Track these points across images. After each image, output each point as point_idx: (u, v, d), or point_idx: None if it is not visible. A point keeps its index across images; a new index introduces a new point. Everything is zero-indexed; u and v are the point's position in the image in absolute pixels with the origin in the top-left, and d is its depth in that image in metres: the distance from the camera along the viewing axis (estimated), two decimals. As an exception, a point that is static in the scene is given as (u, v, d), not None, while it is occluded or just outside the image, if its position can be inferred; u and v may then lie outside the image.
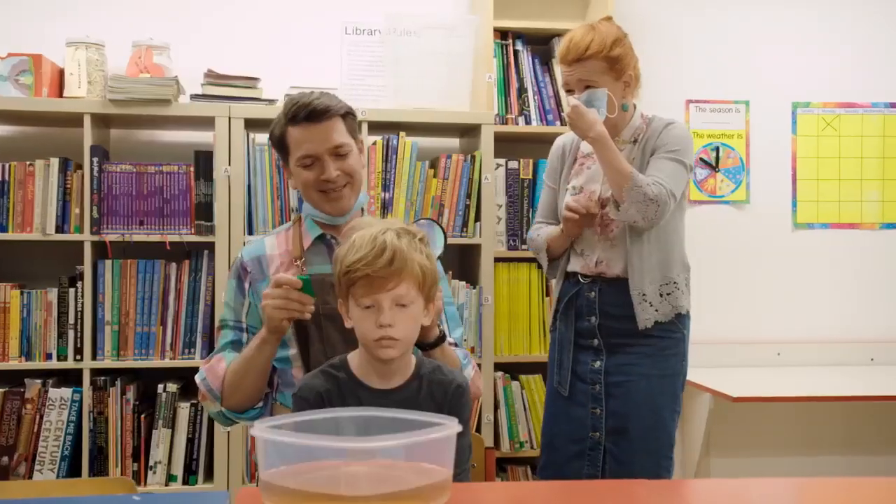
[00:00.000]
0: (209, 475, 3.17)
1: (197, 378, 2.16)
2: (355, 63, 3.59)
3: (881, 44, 3.93)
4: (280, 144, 2.17)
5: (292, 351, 2.11)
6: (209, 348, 3.15)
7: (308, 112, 2.08)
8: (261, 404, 2.13)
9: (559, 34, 3.52)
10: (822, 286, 3.89)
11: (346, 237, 1.86)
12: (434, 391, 1.85)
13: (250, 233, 3.17)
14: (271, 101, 3.25)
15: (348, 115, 2.16)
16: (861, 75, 3.92)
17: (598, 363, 2.61)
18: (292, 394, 1.88)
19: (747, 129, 3.83)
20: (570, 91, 2.63)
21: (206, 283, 3.17)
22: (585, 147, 2.68)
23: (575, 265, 2.68)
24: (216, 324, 2.40)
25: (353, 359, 1.84)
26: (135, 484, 1.98)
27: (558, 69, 3.45)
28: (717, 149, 3.80)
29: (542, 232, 2.77)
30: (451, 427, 1.46)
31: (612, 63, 2.58)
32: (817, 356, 3.83)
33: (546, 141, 3.50)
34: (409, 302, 1.77)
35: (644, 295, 2.55)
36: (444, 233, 2.19)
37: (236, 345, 2.15)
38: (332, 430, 1.57)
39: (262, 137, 3.24)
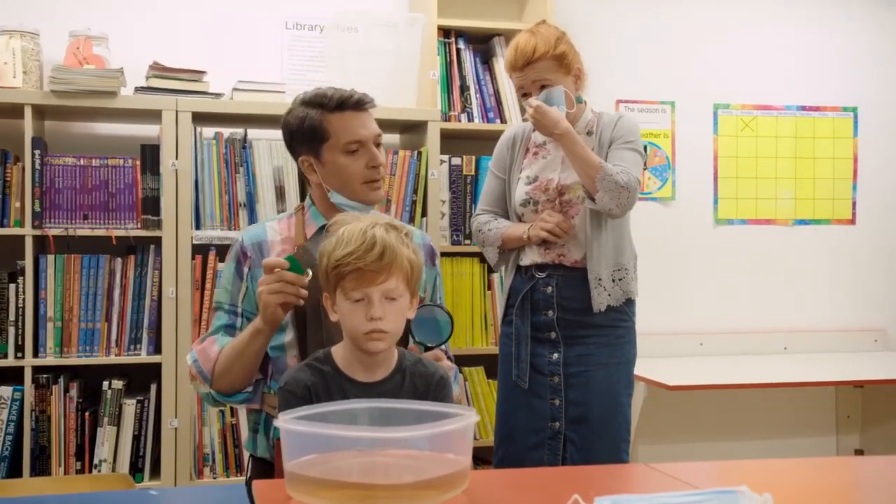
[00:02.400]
0: (156, 472, 3.14)
1: (188, 359, 2.15)
2: (297, 58, 3.61)
3: (794, 49, 4.16)
4: (314, 134, 2.16)
5: (288, 337, 2.11)
6: (156, 344, 3.13)
7: (356, 100, 2.15)
8: (250, 389, 2.12)
9: (499, 33, 3.62)
10: (742, 279, 4.10)
11: (330, 233, 1.89)
12: (417, 384, 1.89)
13: (198, 227, 3.15)
14: (218, 95, 3.23)
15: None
16: (776, 79, 4.15)
17: (555, 355, 2.70)
18: (278, 387, 1.88)
19: (673, 128, 4.00)
20: (526, 95, 2.71)
21: (152, 278, 3.13)
22: (538, 137, 2.77)
23: (532, 257, 2.74)
24: (212, 305, 2.37)
25: (338, 352, 1.86)
26: (133, 480, 1.97)
27: (499, 67, 3.57)
28: (645, 147, 3.94)
29: (493, 226, 2.81)
30: (470, 416, 1.53)
31: (559, 60, 2.69)
32: (737, 346, 4.04)
33: (488, 138, 3.60)
34: (398, 295, 1.82)
35: (600, 280, 2.67)
36: (451, 319, 2.10)
37: (230, 329, 2.14)
38: (347, 422, 1.61)
39: (210, 131, 3.24)
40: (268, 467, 2.14)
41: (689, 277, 4.04)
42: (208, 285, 3.17)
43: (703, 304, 4.05)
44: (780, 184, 4.13)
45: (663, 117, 3.99)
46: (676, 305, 4.00)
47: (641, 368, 3.47)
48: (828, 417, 4.18)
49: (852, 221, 4.22)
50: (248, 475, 2.26)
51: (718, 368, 3.79)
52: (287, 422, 1.52)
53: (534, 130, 2.76)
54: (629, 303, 2.74)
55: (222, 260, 3.15)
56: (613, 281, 2.70)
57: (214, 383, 2.10)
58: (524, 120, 2.76)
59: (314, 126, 2.15)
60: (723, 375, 3.65)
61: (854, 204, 4.22)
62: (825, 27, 4.21)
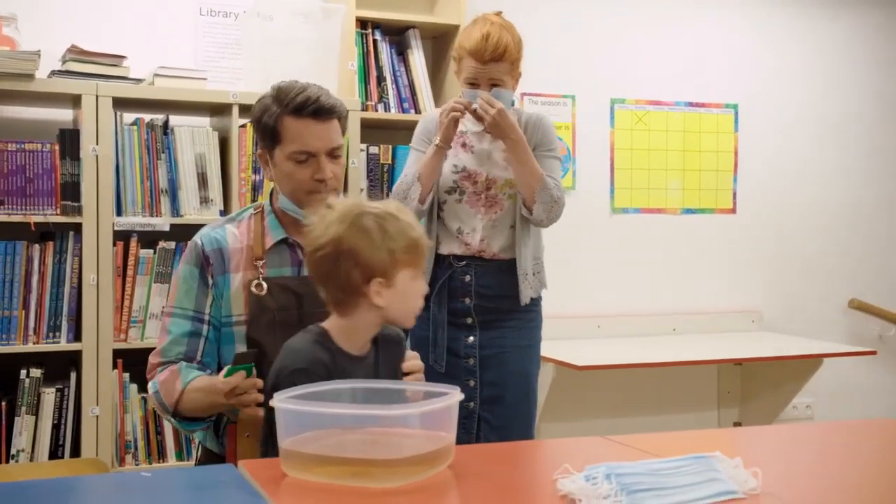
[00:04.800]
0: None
1: (150, 389, 2.08)
2: (211, 45, 3.61)
3: (683, 49, 4.43)
4: (271, 132, 2.07)
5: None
6: (76, 332, 3.09)
7: (315, 108, 2.03)
8: (213, 419, 2.10)
9: (413, 26, 3.71)
10: (635, 265, 4.35)
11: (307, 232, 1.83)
12: (391, 347, 1.94)
13: (119, 213, 3.12)
14: (138, 80, 3.21)
15: (344, 117, 2.13)
16: (666, 77, 4.40)
17: (471, 338, 2.82)
18: (293, 369, 1.79)
19: (574, 121, 4.20)
20: (473, 85, 2.74)
21: (72, 265, 3.09)
22: (471, 126, 2.82)
23: (451, 247, 2.84)
24: (164, 307, 2.21)
25: (331, 329, 1.84)
26: (108, 464, 1.98)
27: (414, 59, 3.67)
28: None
29: (406, 173, 2.81)
30: (456, 395, 1.64)
31: (515, 65, 2.78)
32: (630, 328, 4.29)
33: (403, 127, 3.70)
34: None
35: (526, 274, 2.81)
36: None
37: (194, 336, 2.07)
38: (339, 401, 1.69)
39: (131, 117, 3.21)
40: (218, 460, 2.13)
41: (588, 263, 4.25)
42: (130, 272, 3.15)
43: (601, 289, 4.28)
44: (670, 175, 4.40)
45: (565, 110, 4.18)
46: (576, 290, 4.20)
47: (546, 350, 3.66)
48: (710, 393, 4.48)
49: (733, 211, 4.53)
50: (197, 462, 2.28)
51: (615, 349, 4.02)
52: (282, 401, 1.59)
53: (483, 127, 2.76)
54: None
55: (145, 247, 3.17)
56: (534, 274, 2.85)
57: (177, 415, 2.04)
58: (471, 110, 2.71)
59: (269, 125, 2.07)
60: (620, 356, 3.87)
61: (735, 194, 4.54)
62: (710, 29, 4.49)
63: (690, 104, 4.44)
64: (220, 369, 2.07)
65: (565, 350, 3.76)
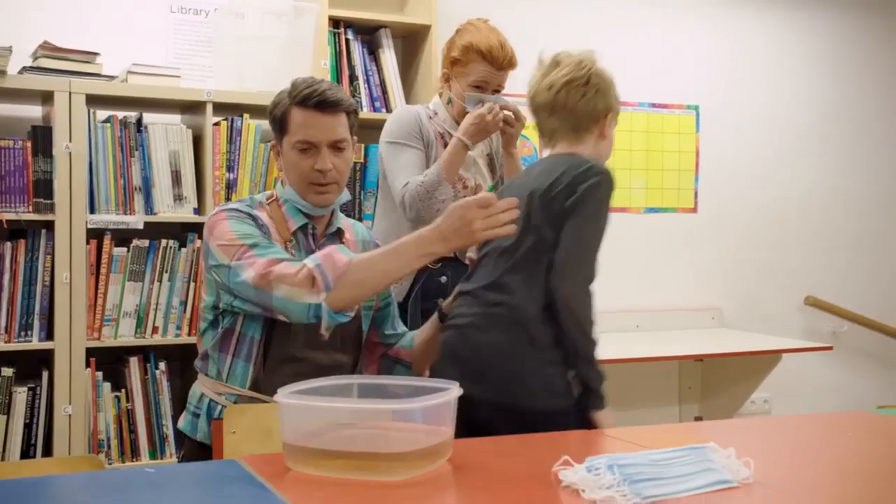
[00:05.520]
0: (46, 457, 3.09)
1: (308, 262, 1.97)
2: (183, 42, 3.59)
3: (647, 51, 4.51)
4: (280, 123, 2.17)
5: (260, 331, 2.12)
6: (48, 330, 3.07)
7: (319, 100, 2.11)
8: (354, 311, 2.06)
9: (385, 25, 3.74)
10: (600, 263, 4.40)
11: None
12: None
13: (92, 211, 3.10)
14: (111, 77, 3.19)
15: (353, 112, 2.20)
16: (630, 78, 4.46)
17: None
18: None
19: (540, 121, 4.25)
20: (478, 88, 2.81)
21: (44, 263, 3.06)
22: (454, 132, 2.84)
23: None
24: (239, 244, 2.06)
25: None
26: (103, 461, 1.98)
27: (385, 59, 3.69)
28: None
29: (427, 173, 2.74)
30: (455, 390, 1.68)
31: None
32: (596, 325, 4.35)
33: (374, 126, 3.71)
34: None
35: None
36: None
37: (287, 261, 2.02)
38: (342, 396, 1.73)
39: (104, 114, 3.19)
40: (205, 451, 2.16)
41: (554, 261, 4.30)
42: (103, 270, 3.13)
43: (566, 286, 4.34)
44: (634, 174, 4.48)
45: (529, 111, 4.22)
46: (542, 287, 4.26)
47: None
48: (672, 388, 4.58)
49: (694, 210, 4.63)
50: (182, 457, 2.29)
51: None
52: (286, 396, 1.62)
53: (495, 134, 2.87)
54: None
55: (118, 244, 3.16)
56: None
57: (333, 293, 1.96)
58: (494, 118, 2.73)
59: (281, 116, 2.16)
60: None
61: (696, 194, 4.63)
62: (672, 32, 4.58)
63: (653, 105, 4.53)
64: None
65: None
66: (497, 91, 2.82)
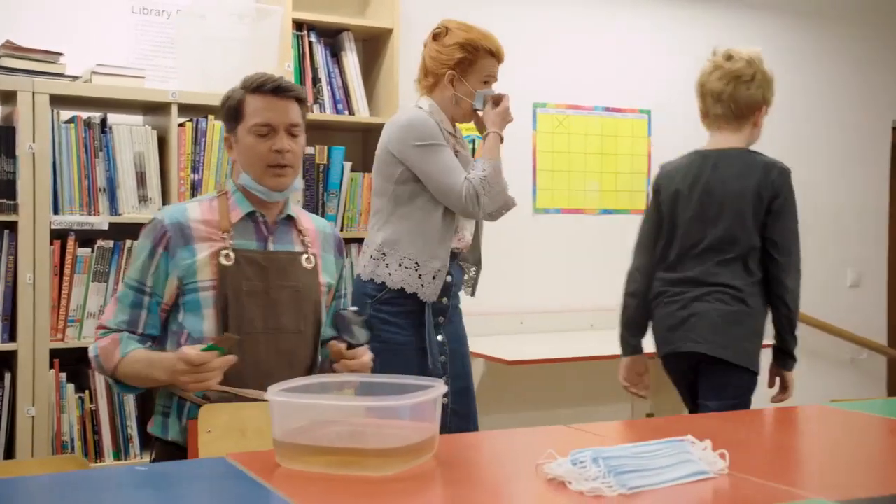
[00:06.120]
0: (10, 459, 3.06)
1: (90, 352, 2.21)
2: (145, 43, 3.59)
3: (601, 56, 4.61)
4: (234, 111, 2.23)
5: (206, 322, 2.16)
6: (11, 331, 3.05)
7: (275, 86, 2.20)
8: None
9: (347, 28, 3.77)
10: (556, 263, 4.51)
11: None
12: None
13: (56, 212, 3.09)
14: (75, 78, 3.18)
15: (304, 102, 2.29)
16: (585, 82, 4.58)
17: (440, 337, 2.89)
18: None
19: (498, 124, 4.32)
20: (486, 84, 2.90)
21: (6, 264, 3.03)
22: (450, 128, 2.90)
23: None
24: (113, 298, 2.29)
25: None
26: (87, 461, 1.99)
27: (347, 61, 3.73)
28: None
29: (483, 167, 2.78)
30: (439, 388, 1.73)
31: None
32: (552, 324, 4.45)
33: (337, 128, 3.77)
34: None
35: (481, 269, 2.95)
36: (368, 328, 2.25)
37: (136, 308, 2.19)
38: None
39: (67, 114, 3.18)
40: (177, 451, 2.17)
41: (511, 261, 4.38)
42: (67, 271, 3.12)
43: (524, 286, 4.42)
44: (589, 177, 4.58)
45: (490, 113, 4.30)
46: (499, 287, 4.33)
47: (474, 346, 3.77)
48: (625, 386, 4.67)
49: (646, 211, 4.74)
50: (153, 459, 2.29)
51: (537, 345, 4.17)
52: (276, 394, 1.66)
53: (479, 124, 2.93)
54: None
55: (82, 245, 3.15)
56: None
57: (115, 379, 2.20)
58: (494, 105, 2.87)
59: (236, 105, 2.24)
60: (543, 351, 4.02)
61: (648, 196, 4.74)
62: (625, 38, 4.69)
63: (607, 109, 4.63)
64: (183, 337, 2.19)
65: (490, 346, 3.89)
66: (494, 84, 2.91)
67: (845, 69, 5.27)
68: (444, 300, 2.88)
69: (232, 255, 2.17)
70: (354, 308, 2.30)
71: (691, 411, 2.96)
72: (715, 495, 1.49)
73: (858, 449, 1.83)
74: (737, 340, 2.72)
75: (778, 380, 2.87)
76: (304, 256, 2.28)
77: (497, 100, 2.86)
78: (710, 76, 2.90)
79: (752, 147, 2.94)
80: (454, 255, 2.89)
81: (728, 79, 2.86)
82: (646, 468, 1.52)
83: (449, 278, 2.86)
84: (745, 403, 2.76)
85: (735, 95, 2.85)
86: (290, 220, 2.32)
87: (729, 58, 2.86)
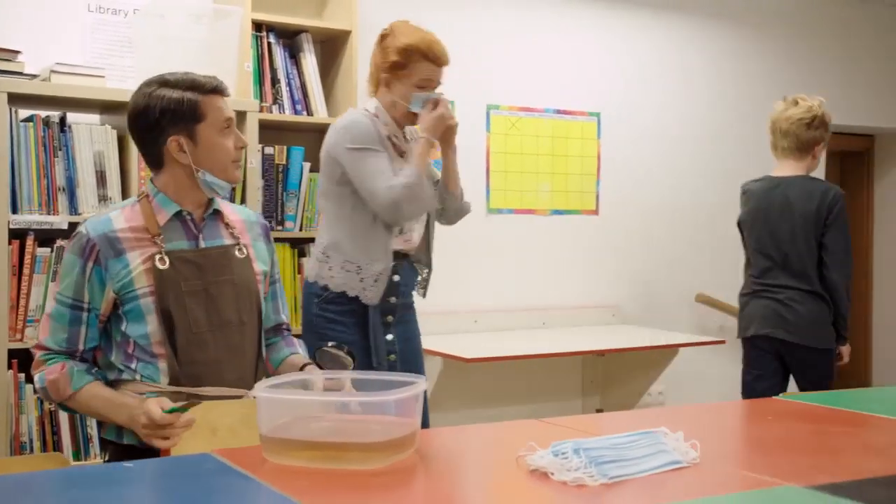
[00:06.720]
0: (-33, 461, 3.03)
1: (36, 382, 2.19)
2: (101, 42, 3.57)
3: (552, 59, 4.70)
4: (192, 114, 2.19)
5: (150, 327, 2.15)
6: (-29, 333, 3.02)
7: (215, 85, 2.24)
8: None
9: (305, 30, 3.80)
10: (509, 263, 4.59)
11: None
12: None
13: (14, 211, 3.07)
14: (34, 76, 3.16)
15: None
16: (537, 85, 4.66)
17: (390, 336, 2.93)
18: None
19: (453, 125, 4.38)
20: (422, 87, 2.87)
21: (-36, 264, 3.01)
22: (397, 131, 2.92)
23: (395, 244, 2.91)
24: (49, 291, 2.30)
25: None
26: (68, 459, 2.00)
27: (306, 62, 3.76)
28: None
29: (406, 175, 2.75)
30: (422, 384, 1.78)
31: None
32: (505, 322, 4.52)
33: (296, 129, 3.79)
34: None
35: (431, 271, 2.99)
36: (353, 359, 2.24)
37: (75, 325, 2.17)
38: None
39: (25, 112, 3.16)
40: (134, 453, 2.12)
41: (465, 261, 4.45)
42: (26, 270, 3.09)
43: (477, 285, 4.49)
44: (540, 178, 4.66)
45: (444, 115, 4.36)
46: (454, 286, 4.39)
47: (429, 344, 3.83)
48: (576, 382, 4.78)
49: (596, 212, 4.85)
50: (108, 460, 2.25)
51: (491, 343, 4.24)
52: (263, 390, 1.70)
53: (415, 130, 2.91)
54: None
55: (41, 245, 3.13)
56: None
57: (63, 407, 2.23)
58: (449, 113, 2.85)
59: (190, 107, 2.19)
60: (497, 349, 4.09)
61: (598, 197, 4.85)
62: (576, 41, 4.79)
63: (558, 111, 4.72)
64: (126, 347, 2.18)
65: (447, 344, 3.95)
66: (436, 87, 2.89)
67: (786, 74, 5.44)
68: (393, 299, 2.90)
69: (166, 258, 2.17)
70: (332, 343, 2.31)
71: (765, 383, 3.73)
72: (690, 483, 1.57)
73: (817, 438, 1.94)
74: (816, 329, 3.61)
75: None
76: (236, 248, 2.29)
77: (435, 103, 2.85)
78: (780, 116, 3.65)
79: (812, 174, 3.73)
80: (403, 256, 2.92)
81: (794, 121, 3.60)
82: (624, 458, 1.59)
83: (396, 278, 2.88)
84: (830, 375, 3.67)
85: (799, 134, 3.59)
86: (216, 214, 2.32)
87: (796, 103, 3.63)
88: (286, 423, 1.70)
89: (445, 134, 2.88)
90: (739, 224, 3.83)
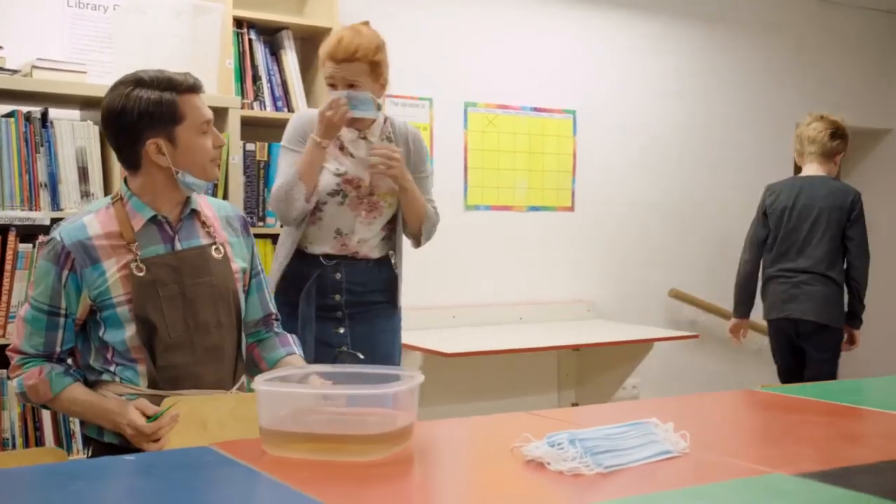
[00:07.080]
0: (-51, 460, 3.02)
1: (15, 387, 2.19)
2: (80, 38, 3.56)
3: (529, 57, 4.75)
4: (170, 115, 2.15)
5: (128, 334, 2.15)
6: (-48, 332, 3.01)
7: (192, 83, 2.20)
8: None
9: (286, 27, 3.81)
10: (486, 259, 4.63)
11: None
12: None
13: (-4, 207, 3.06)
14: (15, 71, 3.15)
15: None
16: (514, 82, 4.71)
17: (342, 329, 2.94)
18: None
19: (431, 122, 4.43)
20: (333, 86, 2.86)
21: (-54, 260, 3.00)
22: (347, 134, 2.94)
23: (325, 247, 2.94)
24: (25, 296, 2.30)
25: None
26: (65, 454, 2.01)
27: (287, 59, 3.77)
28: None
29: (286, 174, 2.85)
30: (419, 377, 1.81)
31: (373, 67, 2.89)
32: (482, 317, 4.57)
33: (278, 126, 3.78)
34: None
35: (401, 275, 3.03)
36: None
37: (51, 329, 2.16)
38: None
39: (7, 108, 3.15)
40: (116, 450, 2.14)
41: (443, 257, 4.48)
42: (8, 266, 3.08)
43: (455, 281, 4.53)
44: (517, 174, 4.71)
45: (423, 112, 4.40)
46: (432, 282, 4.43)
47: (409, 339, 3.87)
48: (551, 376, 4.84)
49: (571, 208, 4.91)
50: (90, 457, 2.26)
51: (469, 338, 4.27)
52: (262, 383, 1.72)
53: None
54: None
55: (23, 241, 3.12)
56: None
57: (45, 408, 2.25)
58: (338, 113, 2.80)
59: (168, 108, 2.15)
60: (475, 344, 4.13)
61: (573, 193, 4.91)
62: (552, 40, 4.84)
63: (535, 109, 4.77)
64: (105, 353, 2.18)
65: (425, 339, 3.98)
66: (352, 86, 2.84)
67: (759, 74, 5.54)
68: (337, 297, 2.93)
69: (143, 265, 2.16)
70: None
71: (788, 363, 4.28)
72: (682, 472, 1.61)
73: (802, 428, 2.00)
74: (831, 310, 4.08)
75: (846, 335, 4.21)
76: (213, 247, 2.27)
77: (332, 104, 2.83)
78: (807, 127, 4.21)
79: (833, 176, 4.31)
80: (331, 257, 2.93)
81: (820, 130, 4.17)
82: (617, 448, 1.64)
83: (338, 276, 2.92)
84: (837, 352, 4.16)
85: (824, 143, 4.17)
86: (193, 213, 2.30)
87: (821, 118, 4.20)
88: (286, 416, 1.73)
89: (328, 129, 2.82)
90: (766, 215, 4.27)
